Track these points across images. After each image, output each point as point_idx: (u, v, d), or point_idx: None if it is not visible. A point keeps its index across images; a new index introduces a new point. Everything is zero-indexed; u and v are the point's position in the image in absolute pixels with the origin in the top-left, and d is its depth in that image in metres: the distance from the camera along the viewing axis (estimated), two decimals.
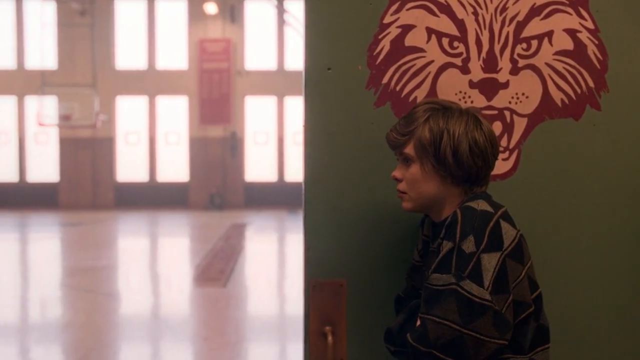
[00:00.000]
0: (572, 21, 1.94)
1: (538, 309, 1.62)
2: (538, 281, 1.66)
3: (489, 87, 1.93)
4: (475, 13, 1.92)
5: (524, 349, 1.58)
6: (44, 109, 17.72)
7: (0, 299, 8.31)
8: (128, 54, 19.32)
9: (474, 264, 1.50)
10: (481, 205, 1.58)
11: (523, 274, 1.58)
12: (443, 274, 1.53)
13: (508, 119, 1.94)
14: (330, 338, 1.87)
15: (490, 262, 1.51)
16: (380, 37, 1.91)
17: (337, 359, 1.90)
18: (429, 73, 1.92)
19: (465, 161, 1.61)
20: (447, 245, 1.55)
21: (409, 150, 1.65)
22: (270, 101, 19.48)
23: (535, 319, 1.61)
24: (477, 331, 1.48)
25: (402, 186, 1.69)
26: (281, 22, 18.83)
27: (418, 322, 1.57)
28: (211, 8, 18.53)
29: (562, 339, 1.91)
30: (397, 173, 1.70)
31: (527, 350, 1.59)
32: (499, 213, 1.57)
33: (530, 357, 1.59)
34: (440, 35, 1.92)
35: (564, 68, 1.94)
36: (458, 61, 1.92)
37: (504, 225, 1.56)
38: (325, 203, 1.91)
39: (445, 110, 1.65)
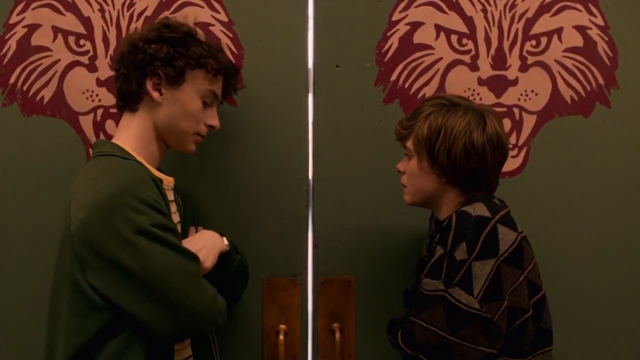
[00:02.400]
0: (582, 18, 1.93)
1: (539, 311, 1.57)
2: (542, 281, 1.60)
3: (498, 84, 1.92)
4: (484, 10, 1.92)
5: (522, 352, 1.53)
6: None
7: None
8: None
9: (464, 272, 1.46)
10: (477, 209, 1.50)
11: (521, 278, 1.51)
12: (434, 280, 1.50)
13: (517, 116, 1.93)
14: (338, 334, 1.87)
15: (482, 269, 1.46)
16: (388, 34, 1.91)
17: (345, 355, 1.90)
18: (438, 70, 1.92)
19: (458, 162, 1.53)
20: (439, 251, 1.51)
21: (410, 144, 1.62)
22: None
23: (535, 322, 1.55)
24: (463, 339, 1.45)
25: (403, 179, 1.66)
26: None
27: None
28: None
29: (568, 339, 1.91)
30: (400, 165, 1.68)
31: (527, 354, 1.54)
32: (497, 217, 1.50)
33: None
34: (449, 32, 1.92)
35: (574, 65, 1.93)
36: (467, 58, 1.92)
37: (502, 229, 1.49)
38: (333, 200, 1.91)
39: (452, 106, 1.58)
